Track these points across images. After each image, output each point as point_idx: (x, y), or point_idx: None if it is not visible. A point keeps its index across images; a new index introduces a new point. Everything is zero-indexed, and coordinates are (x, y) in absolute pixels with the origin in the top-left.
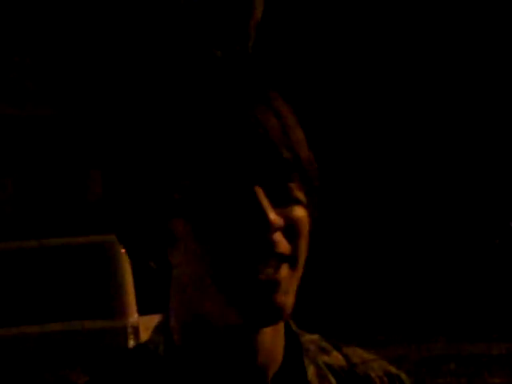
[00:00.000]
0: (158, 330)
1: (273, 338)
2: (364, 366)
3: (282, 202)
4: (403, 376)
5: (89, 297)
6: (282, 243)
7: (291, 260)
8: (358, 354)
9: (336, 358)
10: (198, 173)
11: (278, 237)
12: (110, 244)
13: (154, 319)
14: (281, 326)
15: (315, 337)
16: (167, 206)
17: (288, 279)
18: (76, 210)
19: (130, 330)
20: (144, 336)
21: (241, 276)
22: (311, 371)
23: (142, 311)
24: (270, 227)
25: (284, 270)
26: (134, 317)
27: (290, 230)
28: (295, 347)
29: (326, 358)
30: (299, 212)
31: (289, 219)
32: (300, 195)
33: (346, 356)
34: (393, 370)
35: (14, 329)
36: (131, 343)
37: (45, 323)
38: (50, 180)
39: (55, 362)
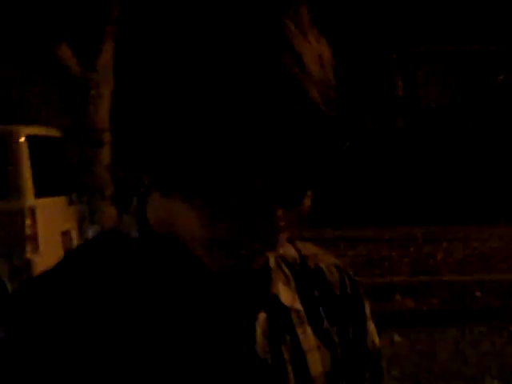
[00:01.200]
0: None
1: None
2: (314, 258)
3: None
4: (350, 271)
5: None
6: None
7: None
8: (308, 247)
9: (289, 250)
10: None
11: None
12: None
13: (50, 202)
14: None
15: None
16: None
17: None
18: None
19: (26, 211)
20: (40, 218)
21: None
22: (271, 260)
23: (39, 194)
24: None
25: None
26: (30, 198)
27: None
28: None
29: (280, 250)
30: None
31: None
32: None
33: (297, 249)
34: (340, 263)
35: None
36: (28, 224)
37: None
38: None
39: None
